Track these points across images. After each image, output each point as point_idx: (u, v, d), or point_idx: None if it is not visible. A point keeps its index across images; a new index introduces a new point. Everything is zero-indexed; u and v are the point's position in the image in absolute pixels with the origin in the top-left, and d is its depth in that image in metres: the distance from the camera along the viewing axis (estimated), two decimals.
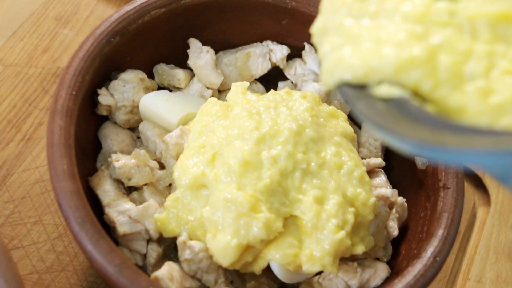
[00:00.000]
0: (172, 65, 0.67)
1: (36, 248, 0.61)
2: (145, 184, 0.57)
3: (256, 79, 0.70)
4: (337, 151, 0.55)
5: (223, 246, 0.50)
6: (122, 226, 0.53)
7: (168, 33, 0.65)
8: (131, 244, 0.54)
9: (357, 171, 0.55)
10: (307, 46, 0.68)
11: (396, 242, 0.61)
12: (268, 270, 0.53)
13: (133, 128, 0.63)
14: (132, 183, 0.56)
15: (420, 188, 0.61)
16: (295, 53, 0.70)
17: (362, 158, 0.63)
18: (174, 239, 0.54)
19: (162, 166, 0.59)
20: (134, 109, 0.61)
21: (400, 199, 0.61)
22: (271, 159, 0.52)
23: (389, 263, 0.59)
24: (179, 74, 0.65)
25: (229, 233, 0.50)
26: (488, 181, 0.77)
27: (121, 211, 0.54)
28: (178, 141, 0.58)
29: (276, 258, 0.51)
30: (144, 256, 0.55)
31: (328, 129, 0.57)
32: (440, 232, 0.55)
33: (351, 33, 0.40)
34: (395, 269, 0.57)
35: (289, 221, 0.52)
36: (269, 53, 0.69)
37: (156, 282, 0.49)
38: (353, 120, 0.66)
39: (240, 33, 0.69)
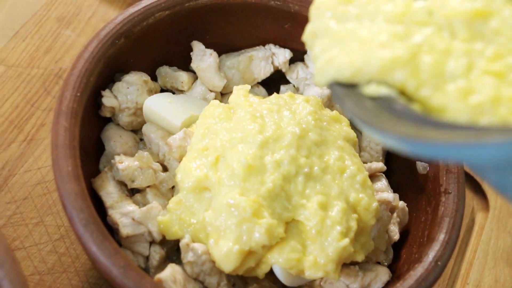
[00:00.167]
0: (175, 68, 0.67)
1: (37, 249, 0.61)
2: (148, 186, 0.57)
3: (258, 83, 0.70)
4: (340, 156, 0.56)
5: (225, 252, 0.50)
6: (125, 228, 0.53)
7: (172, 35, 0.65)
8: (133, 246, 0.54)
9: (360, 176, 0.55)
10: None
11: (397, 246, 0.61)
12: (270, 272, 0.53)
13: (136, 130, 0.63)
14: (135, 185, 0.56)
15: (421, 192, 0.61)
16: (298, 57, 0.70)
17: (364, 163, 0.63)
18: (176, 241, 0.55)
19: (165, 169, 0.59)
20: (138, 111, 0.61)
21: (401, 204, 0.61)
22: (274, 163, 0.52)
23: (390, 267, 0.59)
24: (182, 76, 0.66)
25: (231, 240, 0.50)
26: (486, 187, 0.77)
27: (124, 213, 0.54)
28: (181, 144, 0.58)
29: (279, 262, 0.51)
30: (147, 258, 0.55)
31: (332, 133, 0.57)
32: (441, 237, 0.55)
33: (337, 35, 0.42)
34: (396, 273, 0.58)
35: (292, 225, 0.53)
36: (271, 57, 0.69)
37: (159, 284, 0.49)
38: (354, 125, 0.66)
39: (243, 36, 0.69)
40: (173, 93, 0.66)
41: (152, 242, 0.55)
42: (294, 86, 0.70)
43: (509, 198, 0.34)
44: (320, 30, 0.43)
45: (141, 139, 0.63)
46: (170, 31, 0.64)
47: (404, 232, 0.62)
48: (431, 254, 0.54)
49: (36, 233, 0.62)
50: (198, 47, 0.66)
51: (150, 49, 0.64)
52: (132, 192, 0.58)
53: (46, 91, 0.72)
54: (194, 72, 0.67)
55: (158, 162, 0.59)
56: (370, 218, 0.54)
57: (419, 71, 0.37)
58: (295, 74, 0.70)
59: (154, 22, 0.61)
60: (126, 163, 0.56)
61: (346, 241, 0.51)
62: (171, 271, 0.51)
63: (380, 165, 0.63)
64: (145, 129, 0.61)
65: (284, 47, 0.70)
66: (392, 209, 0.60)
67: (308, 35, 0.45)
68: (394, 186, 0.64)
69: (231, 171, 0.52)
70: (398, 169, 0.65)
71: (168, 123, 0.60)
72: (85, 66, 0.55)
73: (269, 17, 0.67)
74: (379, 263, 0.59)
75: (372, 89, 0.37)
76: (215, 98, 0.66)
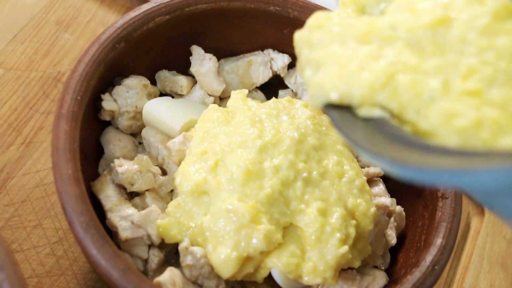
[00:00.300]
0: (174, 72, 0.67)
1: (35, 252, 0.61)
2: (147, 190, 0.57)
3: (256, 87, 0.70)
4: (339, 160, 0.56)
5: (224, 259, 0.50)
6: (125, 231, 0.54)
7: (171, 40, 0.65)
8: (132, 249, 0.54)
9: (358, 181, 0.56)
10: None
11: (394, 251, 0.61)
12: (268, 276, 0.53)
13: (135, 134, 0.63)
14: (135, 188, 0.57)
15: (418, 197, 0.62)
16: (296, 62, 0.70)
17: (361, 167, 0.63)
18: (175, 244, 0.55)
19: (164, 172, 0.60)
20: (137, 115, 0.62)
21: (398, 208, 0.62)
22: (273, 168, 0.53)
23: (387, 271, 0.59)
24: (182, 80, 0.66)
25: (229, 246, 0.50)
26: None
27: (123, 216, 0.54)
28: (180, 147, 0.58)
29: (279, 266, 0.51)
30: (145, 261, 0.55)
31: (330, 138, 0.58)
32: (438, 241, 0.55)
33: (320, 61, 0.42)
34: (393, 277, 0.58)
35: (290, 229, 0.53)
36: (270, 62, 0.69)
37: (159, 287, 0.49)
38: None
39: (242, 41, 0.69)
40: (172, 97, 0.67)
41: (151, 245, 0.55)
42: (292, 91, 0.71)
43: (506, 222, 0.34)
44: (306, 60, 0.44)
45: (140, 143, 0.63)
46: (170, 35, 0.65)
47: (401, 237, 0.62)
48: (429, 258, 0.54)
49: (34, 236, 0.62)
50: (197, 52, 0.66)
51: (150, 53, 0.64)
52: (131, 196, 0.58)
53: (44, 94, 0.72)
54: (193, 77, 0.68)
55: (157, 165, 0.59)
56: (368, 223, 0.55)
57: (398, 93, 0.36)
58: (294, 79, 0.70)
59: (154, 26, 0.62)
60: (125, 167, 0.56)
61: (345, 248, 0.51)
62: (170, 274, 0.51)
63: (377, 170, 0.63)
64: (145, 132, 0.61)
65: (283, 52, 0.70)
66: (389, 214, 0.61)
67: (298, 66, 0.46)
68: (392, 191, 0.64)
69: (230, 176, 0.52)
70: None
71: (167, 127, 0.60)
72: (85, 69, 0.56)
73: (268, 22, 0.68)
74: (376, 267, 0.59)
75: (365, 111, 0.37)
76: (214, 103, 0.67)
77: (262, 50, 0.70)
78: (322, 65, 0.41)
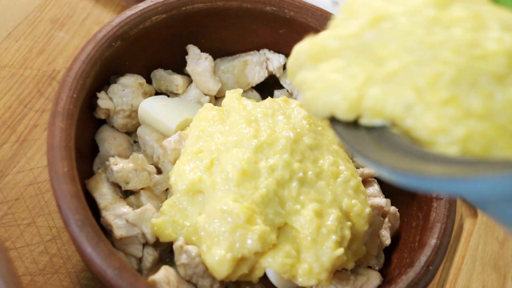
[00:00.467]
0: (170, 71, 0.67)
1: (29, 250, 0.61)
2: (142, 188, 0.57)
3: (252, 87, 0.70)
4: (335, 161, 0.56)
5: (218, 260, 0.50)
6: (119, 230, 0.53)
7: (167, 39, 0.65)
8: (127, 248, 0.54)
9: (353, 181, 0.56)
10: None
11: (388, 251, 0.61)
12: (262, 276, 0.53)
13: (130, 133, 0.63)
14: (130, 187, 0.56)
15: (412, 198, 0.62)
16: None
17: (356, 168, 0.64)
18: (169, 243, 0.55)
19: (159, 171, 0.60)
20: (132, 114, 0.62)
21: (393, 209, 0.62)
22: (268, 168, 0.53)
23: (381, 271, 0.60)
24: (177, 80, 0.66)
25: (224, 248, 0.50)
26: None
27: (118, 215, 0.54)
28: (176, 146, 0.58)
29: (274, 266, 0.51)
30: (140, 260, 0.55)
31: (326, 137, 0.58)
32: (433, 242, 0.55)
33: (309, 83, 0.42)
34: (387, 278, 0.58)
35: (286, 229, 0.53)
36: (266, 62, 0.69)
37: (154, 286, 0.49)
38: None
39: (238, 41, 0.69)
40: (168, 96, 0.67)
41: (145, 244, 0.55)
42: (287, 91, 0.71)
43: (505, 227, 0.34)
44: (299, 82, 0.45)
45: (135, 142, 0.63)
46: (166, 34, 0.64)
47: (395, 237, 0.62)
48: (423, 259, 0.54)
49: (27, 234, 0.61)
50: (193, 51, 0.66)
51: (146, 52, 0.64)
52: (126, 194, 0.58)
53: (39, 92, 0.72)
54: (188, 76, 0.68)
55: (152, 164, 0.59)
56: (363, 224, 0.55)
57: (376, 107, 0.37)
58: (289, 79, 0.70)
59: (150, 25, 0.62)
60: (120, 165, 0.56)
61: (340, 250, 0.51)
62: (164, 273, 0.51)
63: (372, 171, 0.64)
64: (140, 131, 0.61)
65: (279, 52, 0.70)
66: (383, 214, 0.61)
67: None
68: (386, 191, 0.64)
69: (225, 175, 0.52)
70: None
71: (163, 126, 0.60)
72: (81, 67, 0.55)
73: (264, 22, 0.68)
74: (370, 267, 0.60)
75: (366, 120, 0.37)
76: (210, 102, 0.67)
77: (258, 50, 0.70)
78: (310, 86, 0.42)
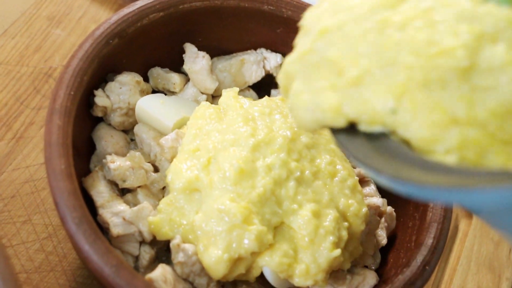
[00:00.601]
0: (167, 69, 0.67)
1: (25, 247, 0.60)
2: (139, 186, 0.57)
3: (249, 86, 0.70)
4: (332, 160, 0.56)
5: (215, 261, 0.50)
6: (116, 228, 0.53)
7: (164, 37, 0.65)
8: (123, 246, 0.54)
9: (350, 180, 0.56)
10: None
11: (384, 251, 0.61)
12: (259, 275, 0.53)
13: (126, 131, 0.63)
14: (127, 185, 0.56)
15: (408, 198, 0.62)
16: None
17: (353, 167, 0.64)
18: (166, 241, 0.55)
19: (156, 169, 0.59)
20: (129, 112, 0.61)
21: (389, 209, 0.62)
22: (265, 167, 0.53)
23: (377, 271, 0.60)
24: (174, 78, 0.66)
25: (221, 248, 0.50)
26: None
27: (115, 213, 0.54)
28: (173, 144, 0.58)
29: (271, 265, 0.51)
30: (136, 258, 0.55)
31: (323, 136, 0.58)
32: (429, 242, 0.56)
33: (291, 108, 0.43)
34: (383, 277, 0.58)
35: (283, 229, 0.53)
36: (263, 61, 0.69)
37: (151, 284, 0.49)
38: None
39: (235, 40, 0.69)
40: (165, 94, 0.67)
41: (142, 242, 0.55)
42: None
43: (504, 236, 0.35)
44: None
45: (132, 140, 0.63)
46: (163, 32, 0.64)
47: (392, 237, 0.62)
48: (419, 258, 0.55)
49: (23, 232, 0.61)
50: (190, 49, 0.66)
51: (143, 50, 0.64)
52: (123, 192, 0.58)
53: (35, 90, 0.72)
54: (185, 74, 0.68)
55: (149, 162, 0.59)
56: (359, 224, 0.55)
57: (360, 117, 0.37)
58: None
59: (148, 23, 0.62)
60: (117, 163, 0.56)
61: (337, 251, 0.51)
62: (161, 271, 0.51)
63: None
64: (137, 129, 0.61)
65: (276, 51, 0.70)
66: (380, 214, 0.61)
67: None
68: (382, 191, 0.64)
69: (222, 174, 0.52)
70: None
71: (160, 124, 0.60)
72: (79, 65, 0.55)
73: (261, 21, 0.68)
74: (366, 267, 0.60)
75: (364, 126, 0.37)
76: (207, 101, 0.66)
77: (255, 49, 0.70)
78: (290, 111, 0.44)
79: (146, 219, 0.54)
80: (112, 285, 0.46)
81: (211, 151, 0.54)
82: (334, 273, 0.56)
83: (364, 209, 0.55)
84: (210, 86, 0.66)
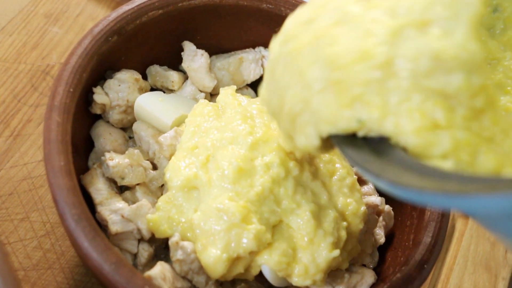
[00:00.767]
0: (166, 67, 0.67)
1: (22, 245, 0.60)
2: (138, 184, 0.57)
3: (247, 84, 0.70)
4: (330, 159, 0.56)
5: (213, 260, 0.50)
6: (115, 225, 0.53)
7: (163, 35, 0.65)
8: (122, 243, 0.54)
9: (349, 179, 0.56)
10: None
11: (382, 250, 0.62)
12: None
13: (125, 128, 0.63)
14: (125, 182, 0.56)
15: (406, 201, 0.62)
16: None
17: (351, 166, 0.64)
18: (165, 239, 0.54)
19: (155, 167, 0.59)
20: (128, 109, 0.61)
21: (387, 208, 0.62)
22: (264, 166, 0.53)
23: (375, 269, 0.60)
24: (173, 76, 0.66)
25: (220, 248, 0.50)
26: None
27: (113, 210, 0.54)
28: (172, 142, 0.58)
29: (269, 263, 0.51)
30: (135, 256, 0.55)
31: None
32: (427, 240, 0.56)
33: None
34: (381, 276, 0.58)
35: (282, 228, 0.53)
36: (261, 59, 0.69)
37: (150, 281, 0.48)
38: None
39: (233, 38, 0.69)
40: (163, 92, 0.66)
41: (140, 240, 0.55)
42: None
43: (505, 242, 0.35)
44: None
45: (131, 137, 0.63)
46: (162, 30, 0.64)
47: (390, 236, 0.62)
48: (418, 257, 0.55)
49: (21, 229, 0.61)
50: (189, 47, 0.66)
51: (142, 47, 0.64)
52: (121, 190, 0.58)
53: (33, 87, 0.72)
54: (184, 72, 0.68)
55: (148, 160, 0.59)
56: (358, 223, 0.55)
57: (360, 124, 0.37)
58: None
59: (147, 20, 0.62)
60: (116, 160, 0.56)
61: (336, 252, 0.51)
62: (160, 269, 0.51)
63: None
64: (136, 127, 0.61)
65: None
66: (378, 213, 0.61)
67: None
68: (380, 190, 0.65)
69: (221, 172, 0.52)
70: None
71: (159, 122, 0.60)
72: (78, 62, 0.55)
73: (260, 20, 0.68)
74: (364, 265, 0.60)
75: (362, 132, 0.37)
76: (205, 99, 0.66)
77: (254, 48, 0.70)
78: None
79: (145, 217, 0.54)
80: (112, 282, 0.46)
81: (210, 149, 0.54)
82: (332, 272, 0.56)
83: (363, 208, 0.55)
84: (209, 84, 0.66)
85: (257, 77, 0.70)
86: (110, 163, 0.56)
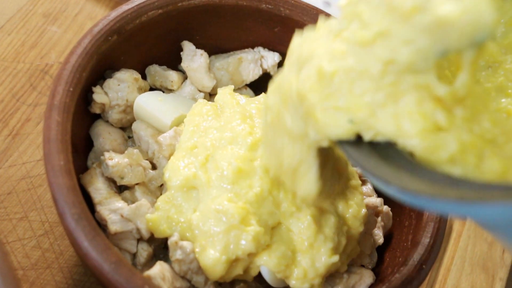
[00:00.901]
0: (165, 67, 0.67)
1: (21, 244, 0.60)
2: (137, 184, 0.57)
3: (246, 85, 0.70)
4: None
5: (212, 262, 0.50)
6: (114, 225, 0.53)
7: (162, 34, 0.65)
8: (121, 243, 0.54)
9: (352, 182, 0.56)
10: None
11: (381, 250, 0.62)
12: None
13: (124, 128, 0.63)
14: (125, 182, 0.56)
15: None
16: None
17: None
18: (164, 239, 0.55)
19: (154, 167, 0.59)
20: (127, 109, 0.61)
21: (386, 208, 0.62)
22: (263, 167, 0.53)
23: (373, 270, 0.60)
24: (172, 76, 0.66)
25: (218, 250, 0.50)
26: None
27: (113, 210, 0.54)
28: (171, 142, 0.58)
29: (269, 265, 0.51)
30: (134, 256, 0.55)
31: None
32: (426, 241, 0.56)
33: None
34: (380, 276, 0.58)
35: (282, 230, 0.53)
36: (260, 60, 0.69)
37: (150, 281, 0.48)
38: None
39: (233, 38, 0.69)
40: (163, 92, 0.67)
41: (139, 240, 0.55)
42: None
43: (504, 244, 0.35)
44: None
45: (130, 137, 0.63)
46: (162, 30, 0.64)
47: (388, 236, 0.62)
48: (416, 257, 0.55)
49: (20, 228, 0.61)
50: (188, 47, 0.66)
51: (141, 47, 0.64)
52: (121, 189, 0.58)
53: (31, 86, 0.71)
54: (183, 72, 0.68)
55: (147, 160, 0.59)
56: (358, 226, 0.55)
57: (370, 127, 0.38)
58: None
59: (146, 20, 0.61)
60: (115, 160, 0.56)
61: (336, 258, 0.51)
62: (159, 268, 0.51)
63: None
64: (135, 126, 0.61)
65: (273, 50, 0.70)
66: (376, 213, 0.61)
67: None
68: (379, 190, 0.65)
69: (220, 173, 0.52)
70: None
71: (158, 121, 0.60)
72: (78, 61, 0.55)
73: (259, 20, 0.68)
74: (363, 266, 0.60)
75: (369, 136, 0.37)
76: (204, 99, 0.66)
77: (253, 48, 0.70)
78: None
79: (144, 217, 0.54)
80: (111, 282, 0.46)
81: (209, 148, 0.54)
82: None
83: (364, 211, 0.55)
84: (208, 84, 0.66)
85: (256, 77, 0.70)
86: (110, 162, 0.56)
